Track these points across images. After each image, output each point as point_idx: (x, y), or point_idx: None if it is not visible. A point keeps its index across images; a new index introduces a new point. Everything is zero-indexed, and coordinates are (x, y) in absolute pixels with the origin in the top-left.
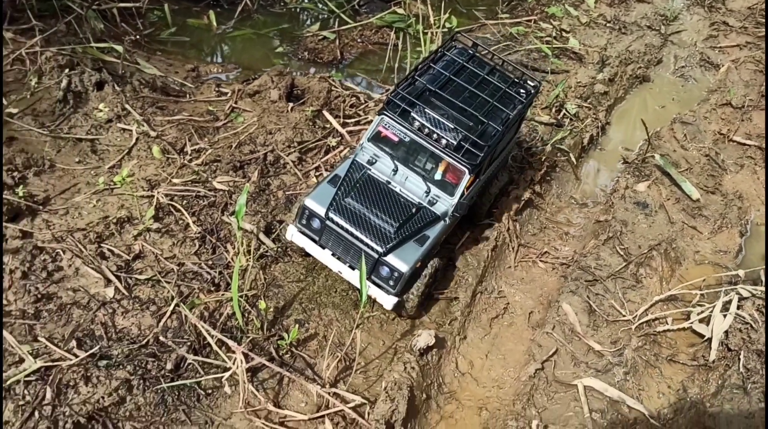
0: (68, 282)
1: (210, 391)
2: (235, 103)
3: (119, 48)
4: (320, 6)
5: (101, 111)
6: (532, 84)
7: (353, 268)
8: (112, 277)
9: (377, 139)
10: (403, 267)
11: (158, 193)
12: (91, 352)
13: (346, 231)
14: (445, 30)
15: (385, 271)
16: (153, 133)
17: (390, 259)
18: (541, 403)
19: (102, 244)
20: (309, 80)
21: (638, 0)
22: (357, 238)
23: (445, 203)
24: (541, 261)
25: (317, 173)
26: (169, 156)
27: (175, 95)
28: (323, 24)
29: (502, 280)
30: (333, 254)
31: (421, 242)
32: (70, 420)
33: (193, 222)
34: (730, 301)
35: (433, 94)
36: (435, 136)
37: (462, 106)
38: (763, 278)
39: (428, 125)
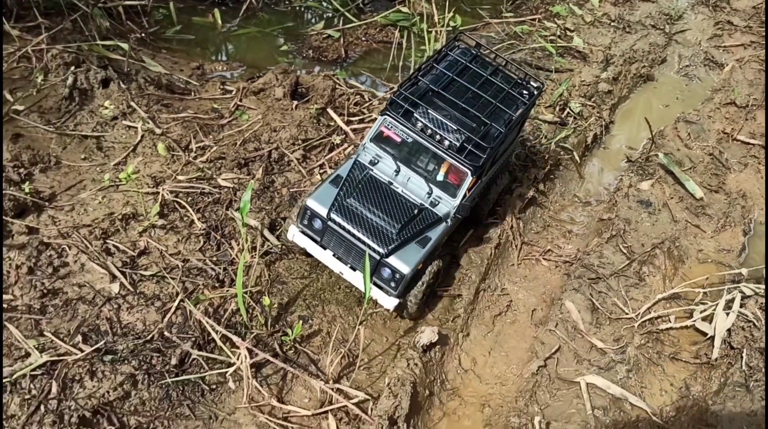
0: (74, 277)
1: (214, 387)
2: (240, 100)
3: (125, 46)
4: (325, 4)
5: (107, 108)
6: (536, 85)
7: (354, 269)
8: (117, 273)
9: (379, 139)
10: (405, 269)
11: (163, 189)
12: (96, 347)
13: (348, 232)
14: (450, 29)
15: (386, 272)
16: (158, 131)
17: (392, 260)
18: (543, 400)
19: (107, 241)
20: (313, 78)
21: None
22: (359, 239)
23: (447, 205)
24: (544, 259)
25: (321, 171)
26: (174, 153)
27: (180, 93)
28: (328, 22)
29: (505, 277)
30: (334, 255)
31: (423, 244)
32: (76, 414)
33: (198, 219)
34: (732, 300)
35: (435, 94)
36: (438, 137)
37: (465, 107)
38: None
39: (431, 126)
